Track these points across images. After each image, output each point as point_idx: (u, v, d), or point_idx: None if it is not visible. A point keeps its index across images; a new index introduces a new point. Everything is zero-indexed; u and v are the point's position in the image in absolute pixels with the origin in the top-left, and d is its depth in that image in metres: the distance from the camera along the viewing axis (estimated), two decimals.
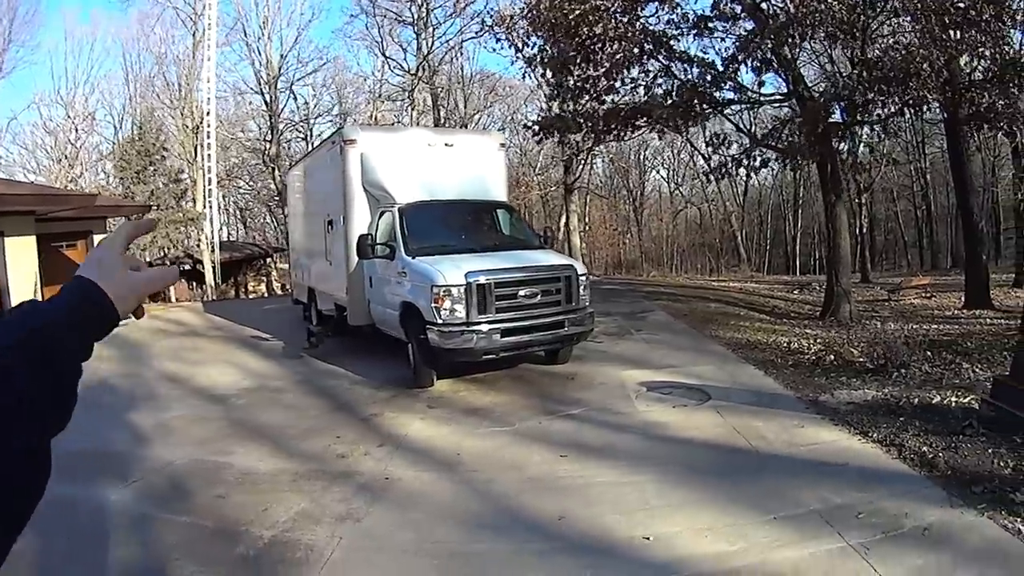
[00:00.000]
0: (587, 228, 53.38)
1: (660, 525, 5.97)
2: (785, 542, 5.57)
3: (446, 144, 13.50)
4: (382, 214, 12.52)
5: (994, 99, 14.99)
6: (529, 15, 16.87)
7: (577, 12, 15.66)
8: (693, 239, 59.37)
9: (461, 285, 10.17)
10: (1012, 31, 14.61)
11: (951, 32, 14.12)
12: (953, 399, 9.06)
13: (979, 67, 15.65)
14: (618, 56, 16.47)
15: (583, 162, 40.59)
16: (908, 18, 15.03)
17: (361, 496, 6.78)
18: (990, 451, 7.14)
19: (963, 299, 19.92)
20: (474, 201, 13.19)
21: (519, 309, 10.59)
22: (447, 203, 12.73)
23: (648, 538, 5.73)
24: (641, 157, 56.93)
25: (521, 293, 10.59)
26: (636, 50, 16.36)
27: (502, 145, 14.71)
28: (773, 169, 21.31)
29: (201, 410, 10.37)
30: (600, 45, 16.58)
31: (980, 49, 14.43)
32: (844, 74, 15.99)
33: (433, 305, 10.19)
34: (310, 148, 49.82)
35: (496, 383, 11.08)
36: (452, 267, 10.45)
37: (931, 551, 5.30)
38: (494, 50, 61.31)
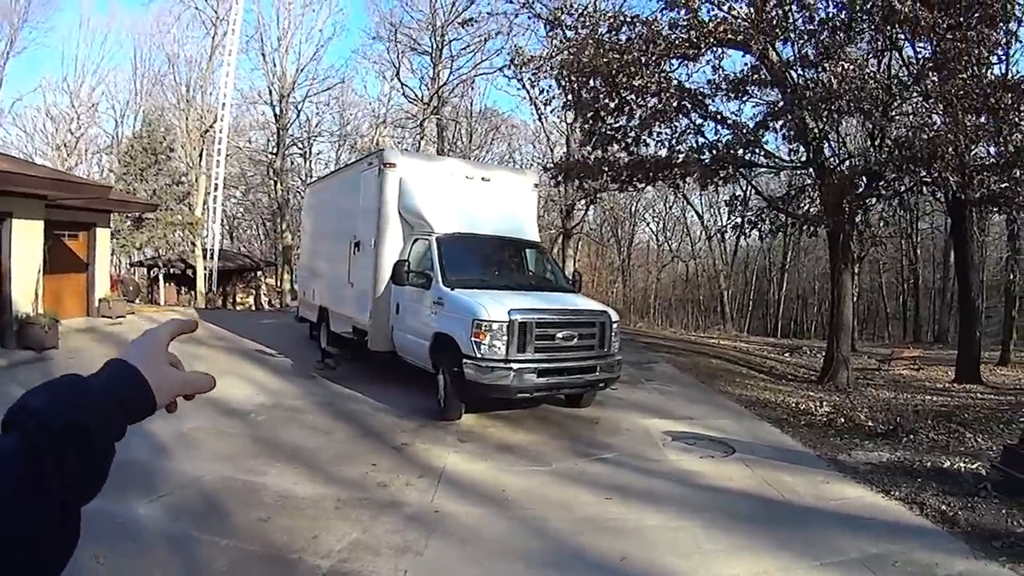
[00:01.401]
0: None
1: (719, 568, 6.21)
2: None
3: (483, 178, 13.58)
4: (415, 241, 12.52)
5: (1006, 183, 15.31)
6: (570, 59, 16.96)
7: (618, 63, 15.83)
8: (678, 294, 59.55)
9: (503, 322, 10.17)
10: None
11: (972, 117, 14.45)
12: (962, 464, 9.55)
13: (990, 152, 15.93)
14: (657, 109, 16.65)
15: (585, 209, 40.87)
16: (933, 101, 15.32)
17: (414, 528, 6.70)
18: (1004, 511, 7.69)
19: (954, 373, 20.34)
20: (510, 238, 13.20)
21: (556, 351, 10.62)
22: (484, 237, 12.74)
23: None
24: (633, 208, 57.13)
25: (559, 335, 10.64)
26: (674, 104, 16.51)
27: (536, 185, 14.83)
28: (774, 233, 21.46)
29: (220, 423, 10.10)
30: (637, 97, 16.79)
31: (999, 137, 14.70)
32: (874, 150, 16.19)
33: (473, 339, 10.16)
34: (309, 165, 50.79)
35: (522, 422, 11.08)
36: (494, 303, 10.47)
37: None
38: (501, 88, 61.77)
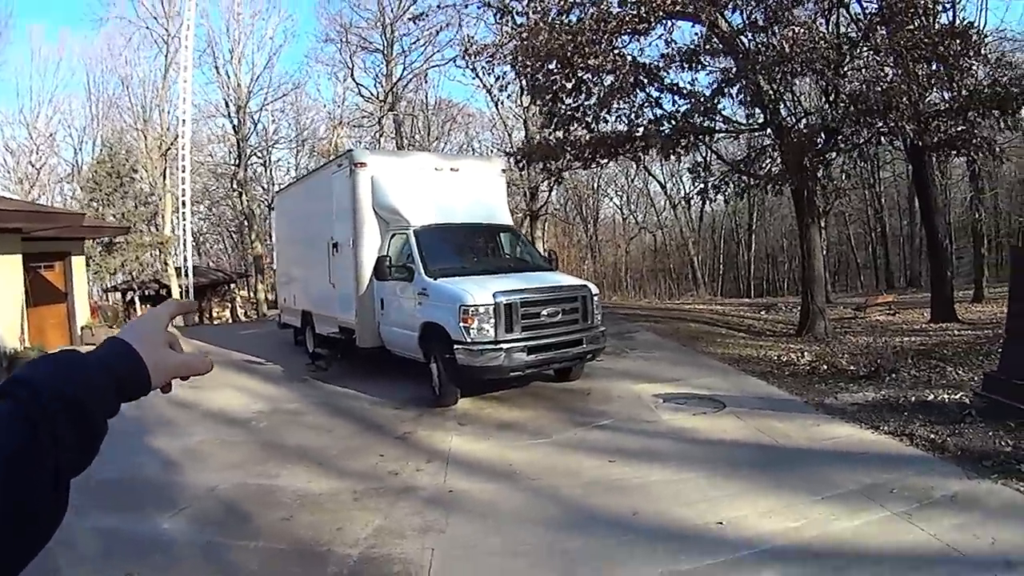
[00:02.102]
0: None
1: (726, 511, 6.47)
2: (839, 515, 6.26)
3: (452, 168, 13.84)
4: (392, 236, 12.76)
5: (962, 127, 15.75)
6: (523, 44, 17.17)
7: (573, 44, 16.10)
8: (649, 264, 59.94)
9: (489, 305, 10.44)
10: (975, 64, 15.25)
11: (923, 66, 14.84)
12: (945, 396, 10.05)
13: (944, 98, 16.32)
14: (614, 86, 16.93)
15: (549, 190, 41.13)
16: (884, 55, 15.69)
17: (432, 509, 6.94)
18: (990, 434, 8.13)
19: (929, 314, 20.85)
20: (484, 224, 13.49)
21: (542, 327, 10.92)
22: (460, 226, 13.03)
23: (721, 522, 6.23)
24: (596, 184, 57.41)
25: (544, 312, 10.94)
26: (631, 79, 16.77)
27: (503, 171, 15.11)
28: (739, 196, 21.83)
29: (224, 434, 10.31)
30: (594, 76, 17.05)
31: (950, 82, 15.13)
32: (830, 107, 16.56)
33: (461, 325, 10.42)
34: (269, 173, 50.65)
35: (517, 400, 11.38)
36: (478, 288, 10.74)
37: (963, 512, 6.16)
38: (454, 79, 61.73)
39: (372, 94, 45.42)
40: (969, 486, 6.72)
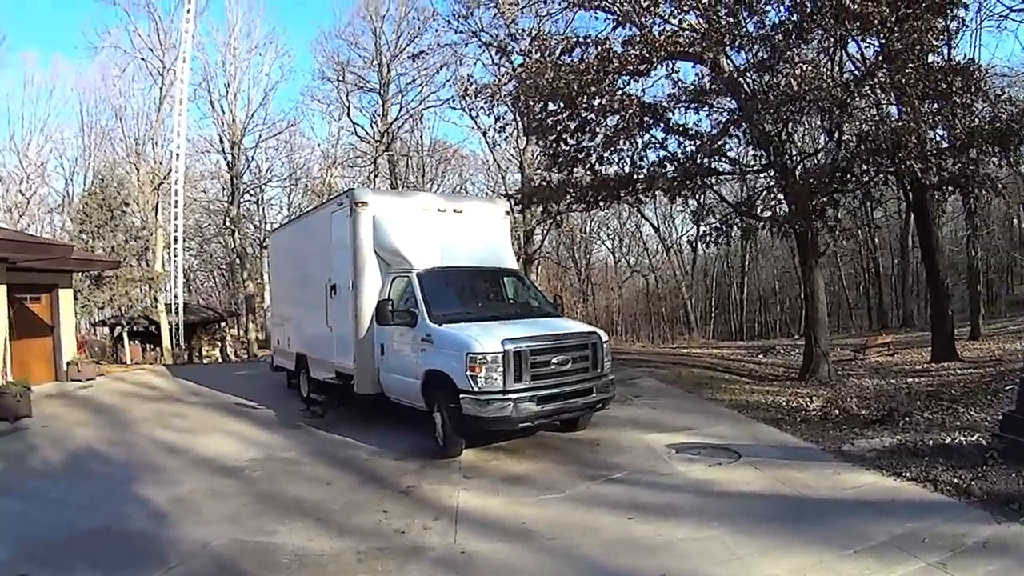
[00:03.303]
0: None
1: (758, 570, 6.31)
2: (874, 570, 6.12)
3: (455, 210, 13.48)
4: (394, 279, 12.40)
5: (964, 165, 15.74)
6: (528, 84, 16.97)
7: (578, 84, 15.90)
8: (641, 308, 59.81)
9: (498, 353, 10.06)
10: (976, 101, 15.18)
11: (927, 104, 14.72)
12: (963, 438, 9.93)
13: (946, 136, 16.22)
14: (620, 127, 16.71)
15: (544, 233, 41.05)
16: (888, 93, 15.58)
17: (444, 572, 6.62)
18: (1013, 475, 8.07)
19: (930, 353, 20.83)
20: (490, 268, 13.16)
21: (552, 376, 10.53)
22: (465, 269, 12.68)
23: None
24: (588, 228, 57.52)
25: (554, 360, 10.56)
26: (637, 120, 16.55)
27: (507, 212, 14.80)
28: (744, 238, 21.69)
29: (214, 483, 9.84)
30: (598, 116, 16.84)
31: (954, 120, 15.12)
32: (838, 147, 16.39)
33: (469, 373, 10.05)
34: (262, 212, 50.43)
35: (523, 451, 10.97)
36: (486, 334, 10.38)
37: (996, 558, 6.16)
38: (449, 120, 61.75)
39: (368, 133, 45.53)
40: (999, 531, 6.69)
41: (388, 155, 44.35)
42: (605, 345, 11.44)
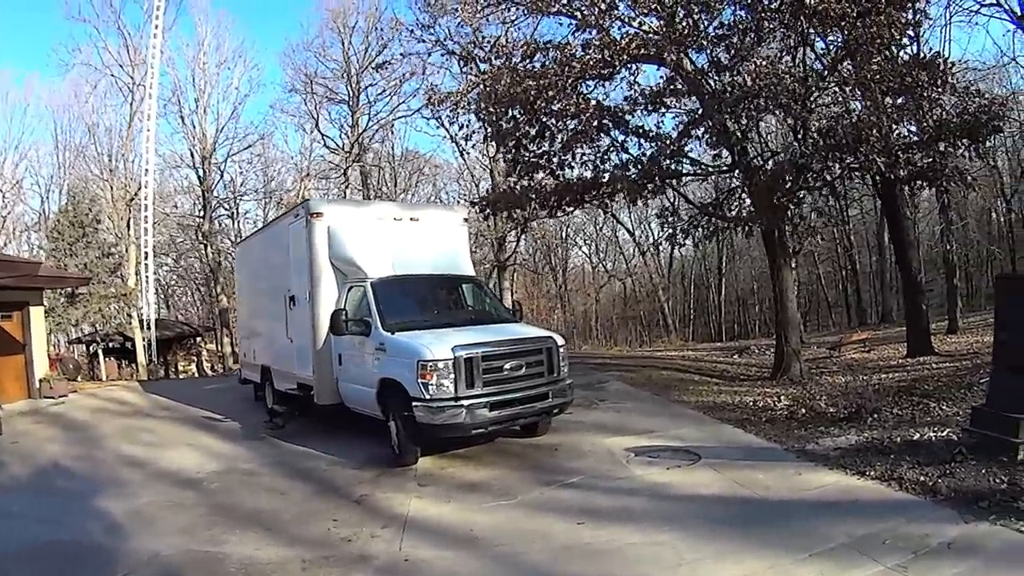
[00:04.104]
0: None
1: None
2: (830, 574, 5.93)
3: (412, 218, 13.48)
4: (350, 289, 12.32)
5: (933, 159, 15.72)
6: (487, 91, 16.97)
7: (536, 89, 15.89)
8: (619, 312, 59.75)
9: (448, 359, 9.99)
10: (943, 95, 15.21)
11: (891, 99, 14.76)
12: (932, 434, 9.78)
13: (913, 130, 16.23)
14: (578, 131, 16.70)
15: (517, 240, 41.04)
16: (852, 88, 15.61)
17: None
18: (983, 471, 7.86)
19: (906, 349, 20.72)
20: (445, 276, 13.09)
21: (506, 382, 10.46)
22: (420, 277, 12.61)
23: None
24: (565, 234, 57.48)
25: (507, 366, 10.48)
26: (595, 123, 16.55)
27: (465, 220, 14.74)
28: (708, 239, 21.59)
29: (174, 495, 9.81)
30: (557, 121, 16.82)
31: (919, 114, 15.09)
32: (800, 143, 16.35)
33: (420, 381, 9.98)
34: (236, 225, 50.28)
35: (481, 458, 10.90)
36: (437, 341, 10.31)
37: (961, 560, 5.93)
38: (421, 129, 61.70)
39: (338, 145, 45.41)
40: (966, 530, 6.48)
41: (360, 166, 44.23)
42: (561, 349, 11.37)
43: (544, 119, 17.04)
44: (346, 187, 43.76)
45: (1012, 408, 8.38)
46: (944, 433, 9.70)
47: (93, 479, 10.89)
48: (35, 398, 19.53)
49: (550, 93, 15.87)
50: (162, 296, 56.60)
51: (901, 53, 15.85)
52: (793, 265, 36.50)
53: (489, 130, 18.29)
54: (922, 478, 7.93)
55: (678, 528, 7.29)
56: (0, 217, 45.25)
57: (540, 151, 18.16)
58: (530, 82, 16.03)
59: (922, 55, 16.21)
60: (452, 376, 9.98)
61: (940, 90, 14.98)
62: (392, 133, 46.84)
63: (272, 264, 15.57)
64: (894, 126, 15.27)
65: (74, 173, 43.71)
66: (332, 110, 46.82)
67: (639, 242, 54.80)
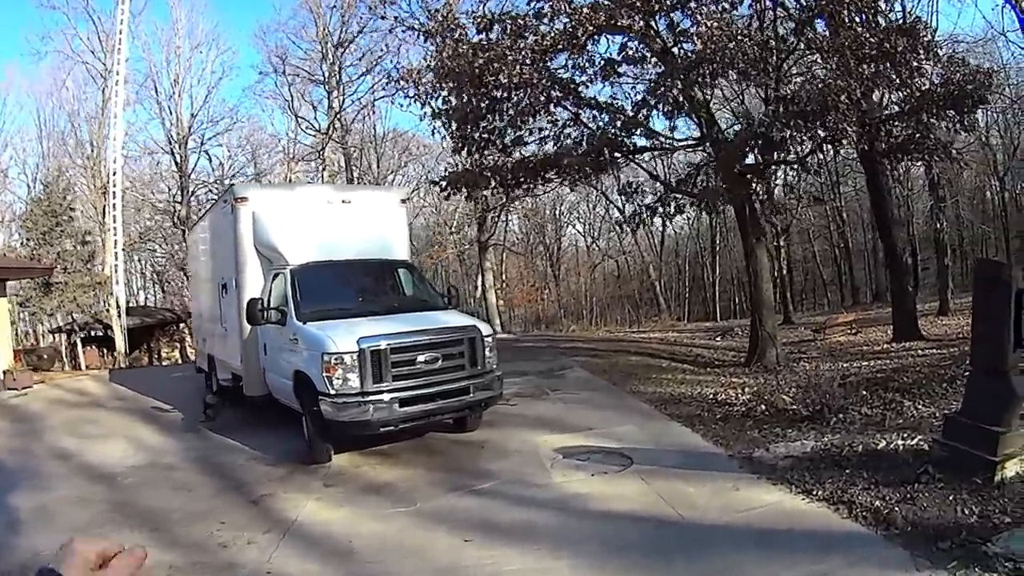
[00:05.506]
0: (504, 285, 53.25)
1: None
2: None
3: (343, 201, 12.91)
4: (275, 276, 11.82)
5: (912, 131, 15.18)
6: (435, 66, 16.50)
7: (481, 60, 15.32)
8: (611, 292, 59.52)
9: (354, 352, 9.49)
10: (926, 64, 14.63)
11: (866, 65, 14.10)
12: (900, 442, 8.55)
13: (894, 100, 15.66)
14: (523, 104, 16.15)
15: (497, 219, 40.62)
16: (822, 55, 15.03)
17: None
18: (951, 498, 6.59)
19: (891, 332, 20.20)
20: (373, 261, 12.50)
21: (419, 376, 9.91)
22: (343, 263, 12.03)
23: None
24: (557, 212, 57.13)
25: (420, 359, 9.91)
26: (542, 97, 15.99)
27: (403, 201, 14.21)
28: (689, 217, 21.06)
29: (85, 491, 9.67)
30: (506, 94, 16.22)
31: (896, 80, 14.53)
32: (760, 111, 15.72)
33: (325, 374, 9.51)
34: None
35: (401, 455, 10.39)
36: (344, 332, 9.80)
37: None
38: (401, 106, 60.89)
39: (315, 127, 44.96)
40: None
41: (343, 149, 43.80)
42: (488, 339, 10.75)
43: (495, 93, 16.34)
44: (323, 169, 43.35)
45: (990, 418, 7.15)
46: (914, 441, 8.48)
47: (16, 472, 10.80)
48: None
49: (495, 65, 15.23)
50: (155, 281, 56.56)
51: (878, 18, 15.05)
52: (781, 244, 36.04)
53: (437, 106, 17.65)
54: (877, 503, 6.73)
55: (577, 553, 6.52)
56: None
57: (491, 127, 17.55)
58: (478, 54, 15.46)
59: (901, 21, 15.41)
60: (358, 370, 9.49)
61: (922, 57, 14.33)
62: (373, 113, 46.28)
63: (209, 251, 15.36)
64: (867, 93, 14.68)
65: (56, 161, 43.65)
66: (310, 91, 46.44)
67: (625, 218, 54.44)
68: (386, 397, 9.57)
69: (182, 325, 43.41)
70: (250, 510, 8.48)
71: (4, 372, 19.97)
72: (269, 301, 11.34)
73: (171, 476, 10.25)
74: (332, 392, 9.48)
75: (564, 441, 10.42)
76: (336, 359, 9.47)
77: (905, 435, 8.83)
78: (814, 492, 7.31)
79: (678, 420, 11.52)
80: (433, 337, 10.23)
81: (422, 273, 13.50)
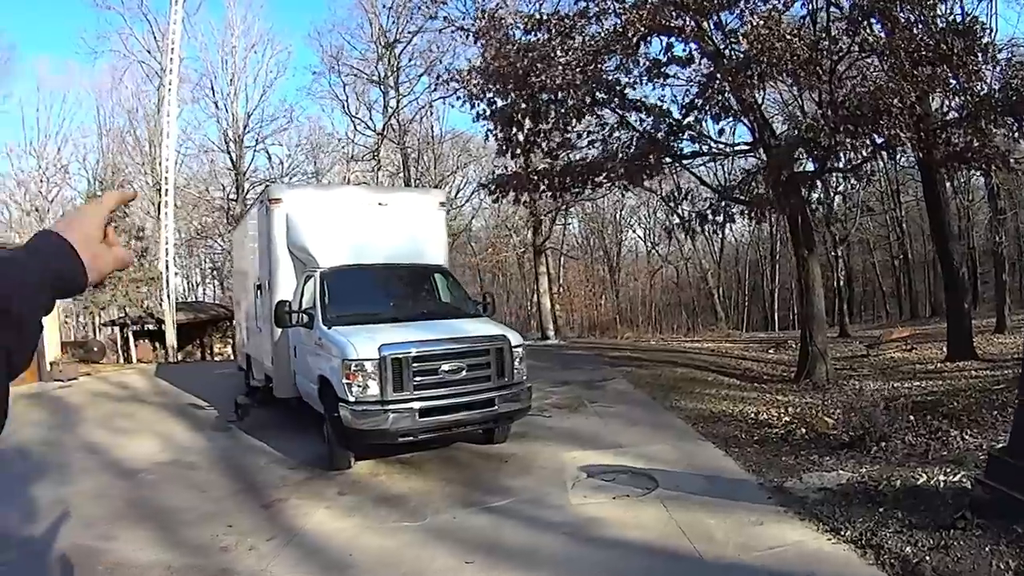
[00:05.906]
0: (562, 290, 52.52)
1: None
2: None
3: (380, 203, 12.72)
4: (307, 279, 11.69)
5: (970, 138, 14.47)
6: (482, 67, 16.38)
7: (526, 61, 15.13)
8: (670, 298, 58.83)
9: (374, 359, 9.30)
10: (984, 67, 14.04)
11: (921, 68, 13.56)
12: (942, 478, 7.80)
13: (952, 106, 15.08)
14: (568, 106, 15.90)
15: (553, 223, 40.34)
16: (875, 57, 14.53)
17: None
18: (987, 548, 5.85)
19: (946, 350, 19.39)
20: (405, 265, 12.30)
21: (442, 385, 9.69)
22: (374, 267, 11.91)
23: None
24: (617, 216, 56.53)
25: (444, 368, 9.68)
26: (587, 99, 15.72)
27: (442, 204, 14.03)
28: (748, 224, 20.57)
29: (105, 485, 9.75)
30: (552, 96, 15.95)
31: (953, 84, 14.06)
32: (808, 115, 15.21)
33: (345, 381, 9.35)
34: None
35: (422, 465, 10.15)
36: (366, 339, 9.59)
37: None
38: (452, 106, 60.85)
39: (371, 127, 45.17)
40: None
41: (401, 150, 43.80)
42: (517, 350, 10.45)
43: (540, 95, 16.07)
44: (378, 170, 43.42)
45: None
46: (956, 478, 7.70)
47: (43, 465, 10.76)
48: (46, 380, 19.61)
49: (540, 65, 15.00)
50: (214, 277, 57.16)
51: (935, 18, 14.31)
52: (838, 254, 35.19)
53: (484, 108, 17.42)
54: (907, 549, 6.05)
55: None
56: (47, 201, 45.83)
57: (537, 129, 17.34)
58: (523, 54, 15.29)
59: (958, 21, 14.55)
60: (378, 377, 9.30)
61: (979, 60, 13.70)
62: (431, 114, 46.41)
63: (247, 251, 15.38)
64: (923, 97, 14.16)
65: (110, 158, 45.00)
66: (367, 92, 46.64)
67: (673, 225, 53.70)
68: (406, 406, 9.37)
69: (234, 322, 43.90)
70: (259, 515, 8.41)
71: (50, 363, 20.14)
72: (300, 303, 11.29)
73: (190, 475, 10.26)
74: (351, 399, 9.32)
75: (592, 459, 10.04)
76: (356, 365, 9.31)
77: (948, 470, 8.09)
78: (842, 532, 6.70)
79: (713, 441, 10.96)
80: (458, 346, 10.01)
81: (456, 279, 13.17)
